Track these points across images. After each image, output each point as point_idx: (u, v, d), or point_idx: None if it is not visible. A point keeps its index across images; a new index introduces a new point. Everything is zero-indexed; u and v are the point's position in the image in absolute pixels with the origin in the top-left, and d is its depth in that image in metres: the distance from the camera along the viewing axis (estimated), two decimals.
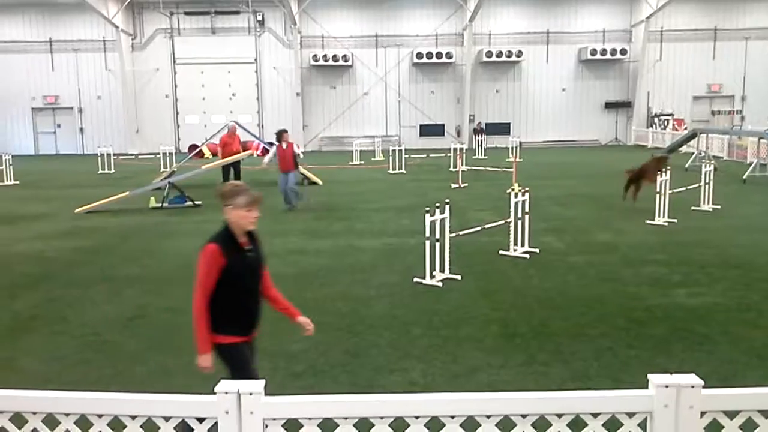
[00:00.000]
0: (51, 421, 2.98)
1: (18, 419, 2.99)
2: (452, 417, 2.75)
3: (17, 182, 21.68)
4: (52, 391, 3.00)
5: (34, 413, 2.99)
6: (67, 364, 6.10)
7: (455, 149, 23.11)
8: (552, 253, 10.17)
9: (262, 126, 36.29)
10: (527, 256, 9.95)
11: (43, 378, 5.56)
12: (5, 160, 22.15)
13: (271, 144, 22.80)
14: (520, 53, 36.21)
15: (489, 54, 36.19)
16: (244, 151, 19.16)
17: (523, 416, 2.75)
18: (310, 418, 2.75)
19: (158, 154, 25.93)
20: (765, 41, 36.63)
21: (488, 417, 2.76)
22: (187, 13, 35.82)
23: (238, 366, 4.05)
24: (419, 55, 36.24)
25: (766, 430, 2.75)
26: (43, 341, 6.75)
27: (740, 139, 25.26)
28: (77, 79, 36.41)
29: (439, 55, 36.24)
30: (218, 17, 36.07)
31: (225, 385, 2.74)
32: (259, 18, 35.95)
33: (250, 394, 2.72)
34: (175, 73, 36.51)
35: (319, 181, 19.71)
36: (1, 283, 8.86)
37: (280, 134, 14.86)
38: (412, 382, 5.55)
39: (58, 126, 37.04)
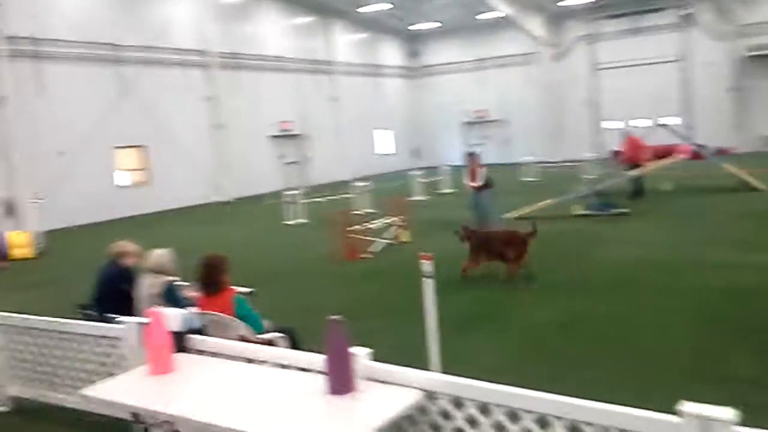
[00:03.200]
0: (511, 414, 3.21)
1: (483, 409, 3.29)
2: None
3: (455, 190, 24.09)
4: (513, 387, 3.22)
5: (498, 406, 3.25)
6: (510, 361, 6.53)
7: None
8: None
9: (691, 127, 33.74)
10: None
11: (491, 371, 5.98)
12: (443, 170, 25.04)
13: (700, 146, 21.13)
14: None
15: None
16: (664, 156, 18.45)
17: None
18: None
19: (578, 161, 26.11)
20: None
21: None
22: (609, 17, 35.43)
23: None
24: None
25: None
26: (487, 337, 7.37)
27: None
28: (501, 93, 39.09)
29: None
30: (640, 17, 34.84)
31: (691, 407, 2.60)
32: (687, 12, 33.54)
33: (720, 421, 2.52)
34: (595, 78, 36.45)
35: (763, 187, 17.48)
36: (445, 280, 9.78)
37: (470, 157, 14.67)
38: None
39: (485, 138, 40.29)
